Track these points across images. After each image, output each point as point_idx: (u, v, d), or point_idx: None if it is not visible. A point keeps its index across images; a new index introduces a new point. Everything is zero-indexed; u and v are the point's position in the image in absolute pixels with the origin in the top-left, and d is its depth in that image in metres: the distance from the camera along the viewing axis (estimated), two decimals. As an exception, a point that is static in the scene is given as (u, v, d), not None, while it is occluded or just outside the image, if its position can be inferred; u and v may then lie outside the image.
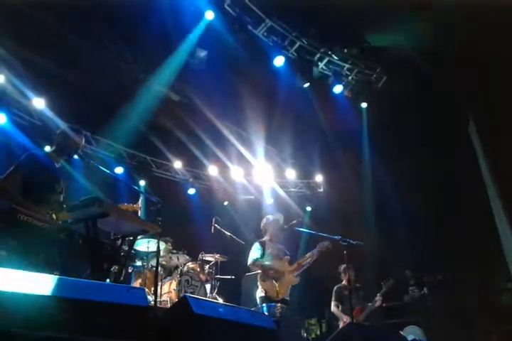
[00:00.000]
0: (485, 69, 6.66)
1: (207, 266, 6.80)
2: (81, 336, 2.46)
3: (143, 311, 2.76)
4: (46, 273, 3.33)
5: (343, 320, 6.09)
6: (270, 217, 5.61)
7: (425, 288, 7.73)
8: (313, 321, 8.12)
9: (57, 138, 3.95)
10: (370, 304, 6.18)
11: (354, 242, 5.29)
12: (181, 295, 5.96)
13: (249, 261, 5.16)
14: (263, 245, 5.26)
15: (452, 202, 7.72)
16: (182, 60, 6.97)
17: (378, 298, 6.19)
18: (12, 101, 6.70)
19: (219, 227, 7.05)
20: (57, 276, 3.06)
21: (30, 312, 2.31)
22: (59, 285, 2.54)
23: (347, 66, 7.86)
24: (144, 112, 7.22)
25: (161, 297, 5.94)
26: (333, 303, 6.36)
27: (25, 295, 2.35)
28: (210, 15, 6.58)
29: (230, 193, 9.49)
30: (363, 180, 8.77)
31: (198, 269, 6.68)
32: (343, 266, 6.39)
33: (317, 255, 5.24)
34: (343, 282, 6.48)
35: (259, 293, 5.00)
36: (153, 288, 5.74)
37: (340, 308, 6.26)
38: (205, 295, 6.38)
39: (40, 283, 2.48)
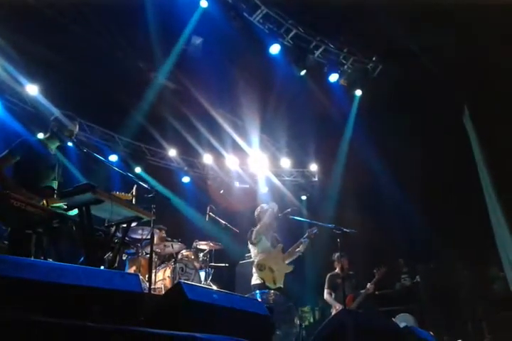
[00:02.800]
0: (482, 59, 6.65)
1: (201, 254, 6.83)
2: (75, 321, 2.46)
3: (137, 297, 2.77)
4: (40, 259, 3.35)
5: (336, 308, 6.15)
6: (265, 205, 5.62)
7: (417, 276, 7.80)
8: (306, 308, 8.20)
9: (51, 125, 3.93)
10: (362, 291, 6.24)
11: (348, 230, 5.33)
12: (175, 282, 5.99)
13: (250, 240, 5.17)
14: (258, 232, 5.28)
15: (446, 191, 7.76)
16: (180, 48, 6.92)
17: (370, 286, 6.24)
18: (5, 87, 6.63)
19: (213, 215, 7.06)
20: (48, 261, 3.07)
21: (23, 298, 2.31)
22: (53, 271, 2.54)
23: (343, 54, 7.81)
24: (140, 101, 7.17)
25: (155, 284, 5.97)
26: (326, 291, 6.41)
27: (19, 281, 2.34)
28: (204, 3, 6.52)
29: (225, 182, 9.49)
30: (356, 168, 8.78)
31: (193, 257, 6.71)
32: (336, 254, 6.43)
33: (307, 242, 5.27)
34: (336, 270, 6.53)
35: (255, 280, 5.02)
36: (147, 275, 5.76)
37: (333, 296, 6.32)
38: (200, 282, 6.41)
39: (34, 269, 2.48)
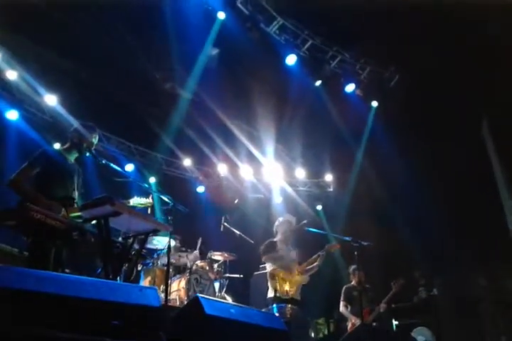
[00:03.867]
0: (500, 70, 6.58)
1: (216, 265, 6.79)
2: (93, 336, 2.44)
3: (155, 311, 2.75)
4: (58, 271, 3.35)
5: (352, 321, 6.06)
6: (282, 218, 5.59)
7: (434, 289, 7.68)
8: (321, 321, 8.10)
9: (70, 136, 3.94)
10: (377, 307, 6.15)
11: (365, 243, 5.27)
12: (190, 293, 5.97)
13: (262, 252, 5.12)
14: (274, 244, 5.23)
15: (464, 204, 7.65)
16: (202, 61, 6.97)
17: (383, 305, 6.17)
18: (24, 97, 6.72)
19: (228, 226, 7.04)
20: (68, 275, 3.06)
21: (41, 312, 2.30)
22: (71, 285, 2.53)
23: (359, 65, 7.80)
24: (156, 111, 7.22)
25: (170, 295, 5.95)
26: (341, 304, 6.33)
27: (37, 294, 2.33)
28: (221, 15, 6.57)
29: (240, 192, 9.47)
30: (371, 179, 8.71)
31: (207, 267, 6.67)
32: (352, 267, 6.38)
33: (324, 255, 5.21)
34: (352, 282, 6.45)
35: (271, 293, 4.97)
36: (162, 286, 5.74)
37: (348, 309, 6.24)
38: (214, 293, 6.37)
39: (53, 283, 2.47)
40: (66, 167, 3.83)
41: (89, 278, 2.82)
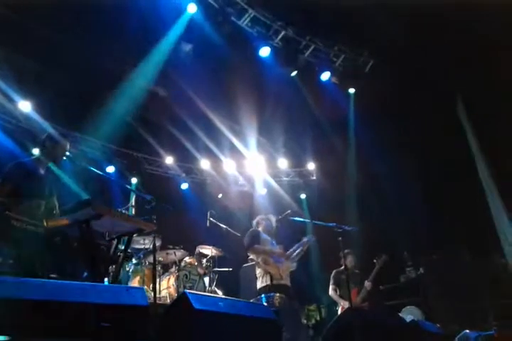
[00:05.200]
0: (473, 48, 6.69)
1: (204, 260, 6.85)
2: (84, 339, 2.48)
3: (143, 310, 2.79)
4: (43, 277, 3.37)
5: (341, 305, 6.19)
6: (262, 216, 5.65)
7: (421, 268, 7.83)
8: (312, 307, 8.22)
9: (43, 143, 3.93)
10: (364, 286, 6.29)
11: (349, 228, 5.37)
12: (180, 289, 6.01)
13: (248, 245, 5.15)
14: (257, 232, 5.29)
15: (445, 183, 7.81)
16: (165, 53, 6.90)
17: (368, 282, 6.29)
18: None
19: (214, 221, 7.08)
20: (54, 280, 3.08)
21: (29, 318, 2.33)
22: (57, 290, 2.55)
23: (333, 52, 7.84)
24: (131, 109, 7.18)
25: (160, 293, 5.99)
26: (330, 287, 6.44)
27: (24, 301, 2.36)
28: (192, 8, 6.54)
29: (223, 186, 9.51)
30: (352, 166, 8.82)
31: (196, 263, 6.73)
32: (344, 251, 6.47)
33: (307, 243, 5.30)
34: (342, 266, 6.56)
35: (261, 283, 5.01)
36: (151, 285, 5.78)
37: (338, 293, 6.36)
38: (204, 288, 6.44)
39: (39, 289, 2.49)
40: (40, 176, 3.82)
41: (75, 282, 2.85)
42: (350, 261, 6.41)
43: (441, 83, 7.49)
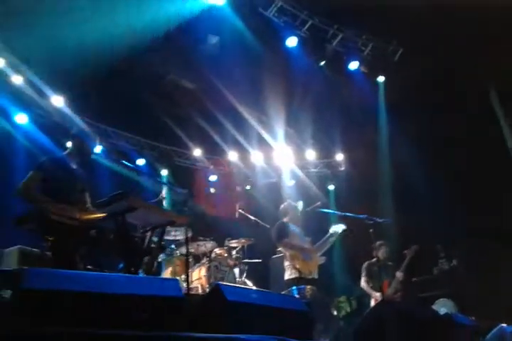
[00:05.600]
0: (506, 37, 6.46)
1: (234, 251, 6.90)
2: (121, 330, 2.54)
3: (179, 301, 2.84)
4: (80, 269, 3.47)
5: (374, 297, 6.16)
6: (290, 201, 5.67)
7: (454, 260, 7.71)
8: (342, 299, 8.20)
9: (72, 141, 4.02)
10: (395, 278, 6.24)
11: (380, 220, 5.33)
12: (211, 280, 6.10)
13: (277, 239, 5.19)
14: (285, 225, 5.31)
15: (478, 173, 7.62)
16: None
17: (399, 273, 6.24)
18: (31, 100, 6.79)
19: (243, 212, 7.12)
20: (92, 273, 3.17)
21: (70, 311, 2.39)
22: (94, 281, 2.61)
23: (361, 41, 7.70)
24: (163, 103, 7.26)
25: (191, 284, 6.08)
26: (362, 279, 6.40)
27: (62, 293, 2.42)
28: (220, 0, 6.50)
29: (251, 178, 9.54)
30: (383, 156, 8.69)
31: (226, 254, 6.78)
32: (378, 242, 6.39)
33: (336, 235, 5.28)
34: (375, 258, 6.53)
35: (289, 275, 5.05)
36: (183, 276, 5.88)
37: (370, 284, 6.32)
38: (234, 279, 6.50)
39: (77, 281, 2.56)
40: (71, 171, 3.89)
41: (112, 274, 2.92)
42: (382, 252, 6.37)
43: (473, 71, 7.28)
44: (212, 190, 6.86)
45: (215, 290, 3.12)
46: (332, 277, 6.86)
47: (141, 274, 3.83)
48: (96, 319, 2.47)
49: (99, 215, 3.47)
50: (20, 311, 2.32)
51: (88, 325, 2.39)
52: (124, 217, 3.41)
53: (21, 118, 6.79)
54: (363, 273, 6.43)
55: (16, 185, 3.67)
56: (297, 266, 4.95)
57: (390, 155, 8.61)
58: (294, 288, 4.65)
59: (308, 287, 4.64)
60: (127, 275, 3.17)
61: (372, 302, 6.16)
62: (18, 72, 6.43)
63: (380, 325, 3.87)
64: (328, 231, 5.35)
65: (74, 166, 3.93)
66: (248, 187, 9.26)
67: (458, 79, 7.43)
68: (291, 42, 7.12)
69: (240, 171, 9.54)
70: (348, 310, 8.06)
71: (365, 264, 6.50)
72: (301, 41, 7.21)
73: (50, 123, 6.98)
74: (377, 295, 6.00)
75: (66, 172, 3.81)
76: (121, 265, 3.57)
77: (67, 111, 6.81)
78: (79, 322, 2.39)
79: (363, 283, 6.39)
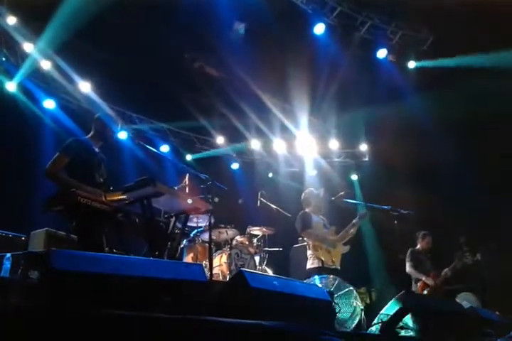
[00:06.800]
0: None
1: (255, 239, 6.92)
2: (145, 312, 2.56)
3: (202, 286, 2.86)
4: (106, 252, 3.52)
5: (423, 280, 6.17)
6: (311, 189, 5.64)
7: (478, 254, 7.59)
8: (362, 290, 8.17)
9: (94, 125, 4.04)
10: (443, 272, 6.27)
11: (404, 212, 5.28)
12: (232, 267, 6.14)
13: (301, 230, 5.19)
14: (309, 215, 5.29)
15: (506, 167, 7.44)
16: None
17: (447, 270, 6.29)
18: (59, 86, 6.89)
19: (265, 201, 7.12)
20: (118, 255, 3.21)
21: (95, 292, 2.42)
22: (122, 264, 2.64)
23: (390, 29, 7.54)
24: (187, 90, 7.26)
25: (212, 270, 6.12)
26: (408, 264, 6.36)
27: (89, 275, 2.45)
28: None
29: (273, 166, 9.51)
30: (408, 145, 8.53)
31: (247, 242, 6.82)
32: (422, 232, 6.58)
33: (358, 223, 5.25)
34: (418, 247, 6.57)
35: (311, 264, 5.05)
36: (205, 262, 5.93)
37: (417, 269, 6.31)
38: (255, 267, 6.53)
39: (103, 263, 2.59)
40: (94, 155, 3.92)
41: (138, 257, 2.95)
42: (427, 242, 6.48)
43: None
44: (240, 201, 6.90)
45: (239, 277, 3.12)
46: (354, 267, 6.82)
47: (165, 259, 3.86)
48: (121, 301, 2.50)
49: (122, 197, 3.49)
50: (47, 292, 2.35)
51: (113, 307, 2.42)
52: (149, 201, 3.44)
53: (49, 103, 6.92)
54: (409, 259, 6.40)
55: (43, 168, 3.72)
56: (320, 257, 4.94)
57: (416, 147, 8.45)
58: (317, 277, 4.63)
59: (331, 276, 4.63)
60: (151, 259, 3.20)
61: (420, 286, 6.20)
62: (46, 57, 6.52)
63: (403, 316, 3.84)
64: (352, 220, 5.32)
65: (96, 149, 3.97)
66: (270, 175, 9.25)
67: (486, 68, 7.21)
68: (319, 29, 7.01)
69: (262, 160, 9.51)
70: (368, 301, 8.03)
71: (410, 250, 6.49)
72: (329, 28, 7.10)
73: (76, 108, 7.07)
74: (428, 279, 6.13)
75: (90, 155, 3.85)
76: (145, 249, 3.60)
77: (94, 96, 6.89)
78: (105, 303, 2.42)
79: (409, 268, 6.36)
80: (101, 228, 3.50)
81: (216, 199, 4.25)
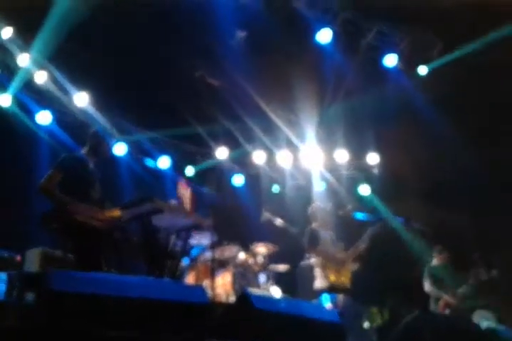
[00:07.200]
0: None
1: (260, 257, 6.88)
2: (144, 334, 2.56)
3: (204, 308, 2.86)
4: (103, 271, 3.52)
5: (445, 298, 6.15)
6: (318, 203, 5.65)
7: (493, 271, 7.54)
8: (374, 309, 8.10)
9: (90, 140, 4.07)
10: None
11: (416, 225, 5.29)
12: (236, 287, 6.09)
13: (308, 247, 5.18)
14: (316, 231, 5.29)
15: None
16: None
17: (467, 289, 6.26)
18: (55, 99, 6.95)
19: (270, 216, 7.09)
20: (116, 275, 3.21)
21: (90, 313, 2.43)
22: (118, 285, 2.65)
23: (398, 35, 7.59)
24: (186, 99, 7.30)
25: (215, 290, 6.08)
26: (426, 282, 6.35)
27: (86, 296, 2.46)
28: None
29: (278, 180, 9.50)
30: (419, 156, 8.54)
31: (251, 260, 6.77)
32: (438, 247, 6.59)
33: (368, 241, 5.24)
34: (434, 262, 6.56)
35: (320, 284, 5.02)
36: (206, 281, 5.89)
37: (436, 287, 6.28)
38: (259, 286, 6.48)
39: (101, 284, 2.59)
40: (89, 171, 3.93)
41: (136, 278, 2.96)
42: (444, 257, 6.50)
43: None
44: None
45: (243, 298, 3.12)
46: (364, 286, 6.77)
47: (165, 278, 3.85)
48: (120, 323, 2.50)
49: (118, 214, 3.50)
50: (44, 313, 2.36)
51: (112, 329, 2.43)
52: (149, 219, 3.45)
53: (44, 117, 6.97)
54: (427, 277, 6.38)
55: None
56: (329, 276, 4.92)
57: (427, 158, 8.45)
58: (326, 297, 4.61)
59: (341, 296, 4.61)
60: (150, 279, 3.20)
61: (442, 305, 6.16)
62: (41, 68, 6.58)
63: (417, 338, 3.81)
64: (361, 235, 5.31)
65: (91, 165, 3.99)
66: (276, 189, 9.24)
67: (498, 76, 7.25)
68: (324, 37, 7.07)
69: (266, 173, 9.51)
70: (379, 321, 7.95)
71: (427, 268, 6.50)
72: (334, 36, 7.15)
73: (72, 122, 7.11)
74: (450, 298, 6.11)
75: (85, 171, 3.87)
76: (145, 268, 3.60)
77: (91, 109, 6.94)
78: (103, 325, 2.43)
79: (428, 286, 6.34)
80: (99, 247, 3.51)
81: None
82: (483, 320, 6.36)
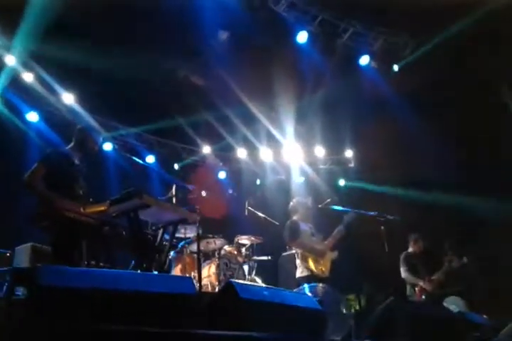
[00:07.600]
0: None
1: (243, 249, 6.92)
2: (133, 326, 2.56)
3: (191, 298, 2.86)
4: (93, 266, 3.50)
5: (420, 285, 6.21)
6: (299, 198, 5.69)
7: (464, 257, 7.69)
8: (351, 297, 8.19)
9: (76, 135, 4.02)
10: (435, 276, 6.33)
11: (391, 217, 5.35)
12: (221, 278, 6.11)
13: (289, 239, 5.22)
14: (296, 224, 5.33)
15: (491, 170, 7.57)
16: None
17: (441, 276, 6.36)
18: (42, 98, 6.83)
19: (253, 210, 7.13)
20: (105, 269, 3.19)
21: (81, 307, 2.41)
22: (108, 278, 2.63)
23: (372, 35, 7.66)
24: (170, 98, 7.26)
25: (201, 281, 6.09)
26: (403, 269, 6.40)
27: (76, 290, 2.44)
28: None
29: (260, 174, 9.54)
30: (394, 153, 8.64)
31: (235, 252, 6.80)
32: (413, 235, 6.64)
33: (344, 229, 5.30)
34: (411, 250, 6.62)
35: (301, 273, 5.07)
36: (193, 273, 5.90)
37: (412, 274, 6.34)
38: (244, 276, 6.52)
39: (90, 277, 2.58)
40: (74, 166, 3.88)
41: (125, 271, 2.94)
42: (419, 246, 6.54)
43: (484, 65, 7.21)
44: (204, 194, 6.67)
45: (228, 288, 3.13)
46: (342, 274, 6.85)
47: (153, 272, 3.85)
48: (109, 315, 2.49)
49: (101, 209, 3.47)
50: (34, 308, 2.34)
51: (102, 322, 2.42)
52: (136, 213, 3.43)
53: (32, 116, 6.86)
54: (403, 264, 6.44)
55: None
56: (309, 266, 4.97)
57: (400, 152, 8.56)
58: (306, 285, 4.66)
59: (320, 285, 4.66)
60: (139, 272, 3.19)
61: (418, 291, 6.23)
62: (28, 69, 6.47)
63: (391, 323, 3.87)
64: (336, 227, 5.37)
65: (76, 161, 3.93)
66: (258, 182, 9.27)
67: (469, 74, 7.37)
68: (302, 37, 7.10)
69: (249, 168, 9.54)
70: (357, 308, 8.05)
71: (403, 255, 6.53)
72: (312, 36, 7.19)
73: (60, 121, 7.01)
74: (427, 284, 6.18)
75: (69, 167, 3.81)
76: (133, 262, 3.59)
77: (78, 108, 6.85)
78: (93, 318, 2.42)
79: (404, 273, 6.38)
80: (76, 241, 3.44)
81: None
82: (454, 306, 6.51)
